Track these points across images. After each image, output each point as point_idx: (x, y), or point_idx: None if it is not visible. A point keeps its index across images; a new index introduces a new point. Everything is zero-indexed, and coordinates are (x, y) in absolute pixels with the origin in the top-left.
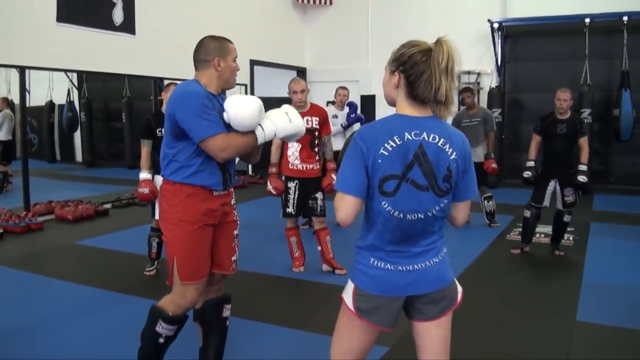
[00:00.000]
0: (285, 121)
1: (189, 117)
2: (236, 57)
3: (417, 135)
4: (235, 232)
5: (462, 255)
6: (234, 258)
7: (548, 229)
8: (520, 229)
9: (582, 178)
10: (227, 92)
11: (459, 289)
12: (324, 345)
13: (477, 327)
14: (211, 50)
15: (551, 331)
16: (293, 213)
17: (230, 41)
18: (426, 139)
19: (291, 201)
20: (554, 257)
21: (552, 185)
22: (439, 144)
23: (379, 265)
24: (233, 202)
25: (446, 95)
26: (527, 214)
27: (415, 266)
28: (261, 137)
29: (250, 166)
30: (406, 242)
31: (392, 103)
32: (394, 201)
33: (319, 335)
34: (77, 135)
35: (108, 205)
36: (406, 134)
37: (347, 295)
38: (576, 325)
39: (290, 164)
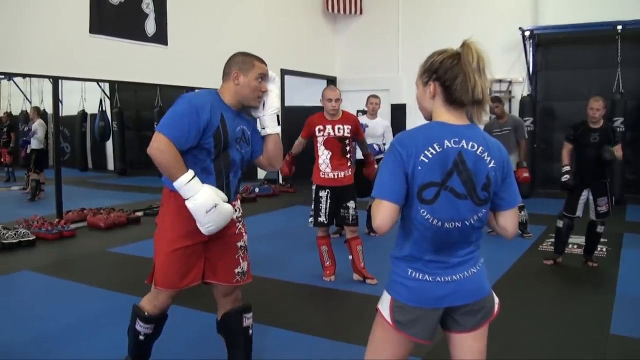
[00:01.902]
0: (202, 207)
1: (169, 111)
2: (262, 76)
3: (456, 142)
4: (240, 243)
5: (494, 266)
6: (237, 270)
7: (581, 240)
8: (553, 240)
9: (606, 153)
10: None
11: (496, 300)
12: (354, 355)
13: (509, 339)
14: (234, 63)
15: (585, 344)
16: (325, 222)
17: (260, 60)
18: (465, 146)
19: (323, 210)
20: (587, 268)
21: (585, 195)
22: (478, 152)
23: (417, 276)
24: (237, 214)
25: (482, 93)
26: (560, 224)
27: (454, 277)
28: (177, 185)
29: (280, 175)
30: (444, 252)
31: (429, 117)
32: (433, 209)
33: (350, 344)
34: (109, 144)
35: (140, 213)
36: (446, 141)
37: (384, 307)
38: (610, 339)
39: (321, 173)
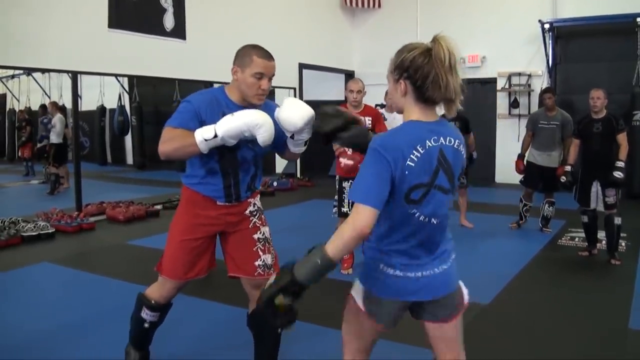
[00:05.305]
0: (227, 119)
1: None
2: (259, 74)
3: (435, 141)
4: (256, 236)
5: (514, 259)
6: (258, 262)
7: (601, 235)
8: (572, 234)
9: (617, 174)
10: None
11: (465, 291)
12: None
13: (526, 334)
14: (236, 57)
15: (603, 339)
16: (349, 212)
17: (262, 55)
18: (444, 142)
19: (347, 200)
20: (606, 263)
21: (595, 186)
22: (455, 146)
23: (392, 271)
24: (251, 209)
25: (455, 91)
26: (584, 219)
27: (425, 273)
28: (198, 138)
29: (298, 169)
30: (422, 248)
31: (400, 112)
32: (421, 208)
33: None
34: (128, 139)
35: (159, 207)
36: (427, 141)
37: (358, 297)
38: (629, 333)
39: (343, 164)
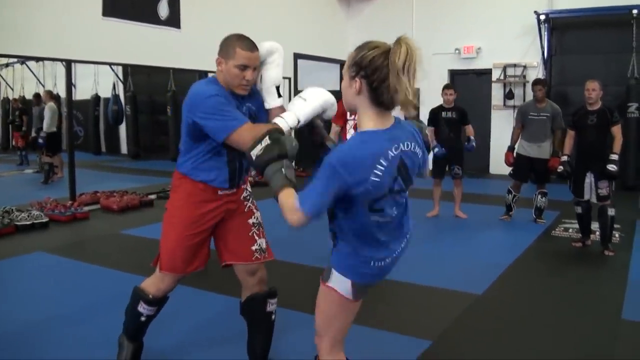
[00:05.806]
0: (300, 103)
1: (208, 117)
2: (243, 65)
3: (396, 149)
4: (251, 220)
5: (507, 251)
6: (254, 247)
7: (594, 226)
8: (565, 225)
9: (611, 167)
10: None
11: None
12: (370, 336)
13: (519, 324)
14: (220, 48)
15: (596, 329)
16: None
17: (246, 46)
18: (403, 149)
19: None
20: (599, 254)
21: (589, 177)
22: (412, 149)
23: (377, 264)
24: (245, 195)
25: (410, 97)
26: (578, 209)
27: (393, 255)
28: (284, 125)
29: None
30: (389, 236)
31: (353, 110)
32: (382, 212)
33: (361, 326)
34: (122, 128)
35: (153, 196)
36: (389, 152)
37: (342, 287)
38: (621, 324)
39: None
